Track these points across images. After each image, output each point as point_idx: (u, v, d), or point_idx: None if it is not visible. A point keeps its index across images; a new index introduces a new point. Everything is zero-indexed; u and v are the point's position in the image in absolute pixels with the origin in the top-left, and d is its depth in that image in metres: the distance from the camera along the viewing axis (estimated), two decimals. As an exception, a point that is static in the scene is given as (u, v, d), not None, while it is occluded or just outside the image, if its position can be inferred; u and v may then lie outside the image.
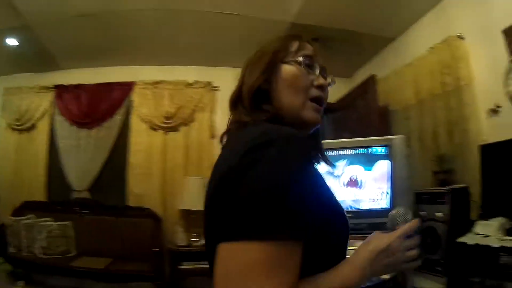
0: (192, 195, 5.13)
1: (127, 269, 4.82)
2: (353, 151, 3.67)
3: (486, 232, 2.99)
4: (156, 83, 5.97)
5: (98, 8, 4.41)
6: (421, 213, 3.70)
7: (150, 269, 4.84)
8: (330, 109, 6.18)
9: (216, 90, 6.06)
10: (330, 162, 1.25)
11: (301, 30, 4.75)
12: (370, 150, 3.64)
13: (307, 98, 1.09)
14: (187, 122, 5.95)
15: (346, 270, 0.89)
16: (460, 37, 4.05)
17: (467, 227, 3.21)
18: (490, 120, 3.71)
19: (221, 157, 0.99)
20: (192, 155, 5.85)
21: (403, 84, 4.79)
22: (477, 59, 3.92)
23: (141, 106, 5.93)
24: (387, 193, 3.57)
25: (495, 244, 2.78)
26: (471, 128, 3.84)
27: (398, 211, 1.11)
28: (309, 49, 1.16)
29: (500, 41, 3.60)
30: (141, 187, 5.68)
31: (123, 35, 5.07)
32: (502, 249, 2.73)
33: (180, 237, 5.38)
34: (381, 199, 3.59)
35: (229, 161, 0.85)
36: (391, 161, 3.56)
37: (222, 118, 5.85)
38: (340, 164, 3.63)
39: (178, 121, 5.91)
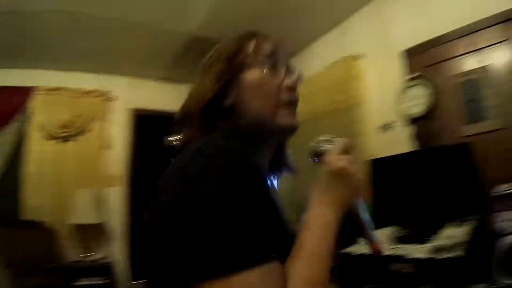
0: (84, 208, 4.85)
1: (23, 285, 4.38)
2: None
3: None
4: (54, 89, 5.53)
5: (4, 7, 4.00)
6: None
7: (45, 284, 4.49)
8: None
9: (113, 99, 5.77)
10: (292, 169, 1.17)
11: (202, 42, 4.74)
12: None
13: (278, 104, 0.96)
14: (82, 132, 5.53)
15: (316, 215, 0.81)
16: (356, 57, 4.25)
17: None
18: (381, 137, 3.93)
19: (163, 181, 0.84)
20: (85, 167, 5.46)
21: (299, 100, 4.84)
22: (373, 78, 4.15)
23: (39, 113, 5.46)
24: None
25: (386, 252, 2.86)
26: (361, 144, 3.99)
27: (318, 139, 0.97)
28: (268, 45, 1.02)
29: (397, 63, 3.87)
30: (35, 199, 5.21)
31: (23, 37, 4.59)
32: (392, 257, 2.82)
33: (72, 252, 5.02)
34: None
35: (168, 192, 0.78)
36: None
37: (118, 129, 5.67)
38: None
39: (74, 130, 5.50)
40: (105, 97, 5.70)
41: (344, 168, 0.84)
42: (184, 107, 1.00)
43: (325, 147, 0.92)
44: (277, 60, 1.00)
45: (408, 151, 3.67)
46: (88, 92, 5.60)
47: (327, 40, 4.83)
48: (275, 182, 1.12)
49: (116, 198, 5.33)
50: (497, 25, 3.29)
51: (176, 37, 4.66)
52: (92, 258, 4.90)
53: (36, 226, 4.99)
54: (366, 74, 4.20)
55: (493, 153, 3.18)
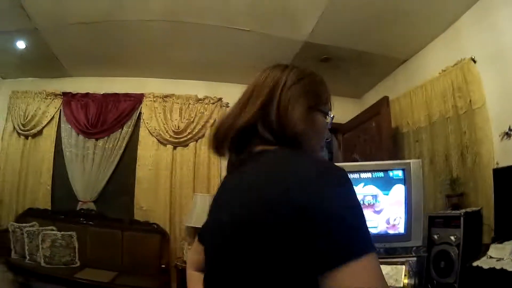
0: (200, 212, 5.07)
1: (133, 284, 4.70)
2: (369, 175, 3.63)
3: (500, 255, 2.95)
4: (165, 96, 5.93)
5: (107, 17, 4.39)
6: (435, 236, 3.68)
7: (156, 285, 4.77)
8: (340, 130, 6.18)
9: (226, 106, 6.01)
10: None
11: (313, 49, 4.77)
12: (387, 174, 3.61)
13: (322, 146, 1.23)
14: (196, 137, 5.90)
15: None
16: (472, 60, 4.06)
17: (479, 251, 3.19)
18: (502, 143, 3.69)
19: (255, 180, 0.99)
20: (200, 172, 5.80)
21: (415, 106, 4.80)
22: (489, 82, 3.92)
23: (150, 119, 5.88)
24: (402, 217, 3.55)
25: (510, 268, 2.72)
26: (483, 151, 3.82)
27: None
28: (328, 93, 1.23)
29: None
30: (148, 202, 5.62)
31: (131, 46, 5.05)
32: None
33: (187, 254, 5.30)
34: (398, 223, 3.57)
35: (289, 189, 0.87)
36: (406, 185, 3.54)
37: None
38: (358, 187, 3.59)
39: (188, 136, 5.86)
40: (217, 103, 5.91)
41: None
42: (264, 112, 1.10)
43: None
44: (329, 108, 1.22)
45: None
46: (201, 99, 5.85)
47: (439, 44, 4.67)
48: None
49: None
50: None
51: (288, 44, 4.78)
52: None
53: (148, 228, 5.32)
54: (483, 78, 3.98)
55: None
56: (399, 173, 3.57)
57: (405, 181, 3.53)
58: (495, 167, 3.57)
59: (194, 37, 4.72)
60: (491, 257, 3.01)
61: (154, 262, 4.97)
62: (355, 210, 0.85)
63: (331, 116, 1.21)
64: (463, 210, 3.62)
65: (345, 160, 5.84)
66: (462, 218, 3.47)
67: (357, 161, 5.34)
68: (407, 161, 3.70)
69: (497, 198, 3.40)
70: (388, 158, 4.26)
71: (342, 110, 6.23)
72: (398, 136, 5.12)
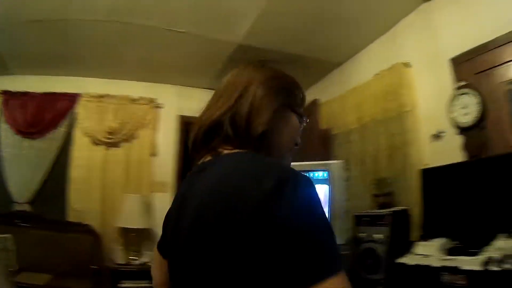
0: (131, 213, 5.03)
1: (67, 286, 4.53)
2: None
3: (427, 252, 3.06)
4: (101, 96, 5.76)
5: (49, 15, 4.17)
6: (361, 234, 3.78)
7: (90, 287, 4.62)
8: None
9: (159, 107, 5.95)
10: None
11: (248, 51, 4.77)
12: (310, 175, 3.63)
13: (292, 147, 1.18)
14: (129, 138, 5.78)
15: None
16: (406, 64, 4.21)
17: (407, 248, 3.26)
18: (432, 145, 3.85)
19: (218, 179, 0.94)
20: (132, 173, 5.69)
21: (347, 109, 4.88)
22: (422, 86, 4.09)
23: (85, 119, 5.68)
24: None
25: (436, 264, 2.83)
26: (412, 152, 3.96)
27: None
28: (302, 96, 1.26)
29: (446, 70, 3.79)
30: (81, 203, 5.43)
31: (73, 45, 4.83)
32: (443, 268, 2.76)
33: (119, 255, 5.20)
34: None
35: (249, 191, 0.83)
36: (329, 185, 3.59)
37: (165, 136, 5.77)
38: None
39: (120, 137, 5.73)
40: (152, 104, 5.84)
41: None
42: (228, 114, 1.06)
43: None
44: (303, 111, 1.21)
45: (459, 161, 3.57)
46: (135, 100, 5.75)
47: (375, 48, 4.79)
48: None
49: (163, 204, 5.40)
50: None
51: (223, 46, 4.75)
52: (138, 262, 5.02)
53: (82, 229, 5.15)
54: (416, 82, 4.15)
55: None
56: (323, 174, 3.63)
57: (329, 181, 3.58)
58: (423, 167, 3.69)
59: (134, 38, 4.59)
60: (417, 254, 3.11)
61: (87, 264, 4.81)
62: (324, 222, 0.82)
63: (305, 119, 1.22)
64: (391, 209, 3.75)
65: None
66: (390, 216, 3.61)
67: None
68: (330, 162, 3.76)
69: (425, 197, 3.54)
70: (318, 160, 4.30)
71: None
72: (329, 137, 5.18)
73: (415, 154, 3.93)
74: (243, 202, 0.81)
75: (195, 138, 1.10)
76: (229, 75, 1.21)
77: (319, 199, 0.83)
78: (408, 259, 3.06)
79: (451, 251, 2.99)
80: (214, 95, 1.16)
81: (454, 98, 3.65)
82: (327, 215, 3.20)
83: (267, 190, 0.80)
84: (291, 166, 0.99)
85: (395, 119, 4.20)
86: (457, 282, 2.69)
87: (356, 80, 4.87)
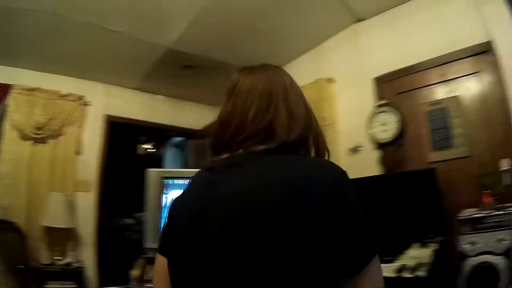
0: (56, 211, 4.78)
1: None
2: None
3: None
4: (32, 89, 5.37)
5: None
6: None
7: (16, 287, 4.35)
8: (195, 135, 6.24)
9: (88, 105, 5.72)
10: None
11: (177, 56, 4.79)
12: None
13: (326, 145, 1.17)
14: (55, 135, 5.46)
15: None
16: (330, 80, 4.42)
17: None
18: (349, 158, 4.07)
19: (263, 182, 0.91)
20: (58, 170, 5.34)
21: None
22: (343, 102, 4.33)
23: (15, 112, 5.29)
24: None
25: None
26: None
27: None
28: None
29: (369, 88, 4.07)
30: (8, 199, 5.11)
31: (4, 33, 4.60)
32: None
33: (43, 255, 4.91)
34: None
35: (317, 180, 0.87)
36: None
37: (91, 134, 5.59)
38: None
39: (48, 133, 5.38)
40: (80, 101, 5.63)
41: None
42: (266, 125, 1.04)
43: None
44: None
45: (376, 174, 3.81)
46: (64, 96, 5.52)
47: (302, 62, 4.97)
48: None
49: (87, 203, 5.26)
50: (469, 58, 3.53)
51: (154, 48, 4.68)
52: (63, 262, 4.81)
53: (7, 226, 4.90)
54: (338, 97, 4.37)
55: (459, 179, 3.37)
56: None
57: None
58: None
59: (68, 32, 4.35)
60: None
61: (13, 263, 4.56)
62: (362, 211, 0.88)
63: None
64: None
65: (197, 165, 5.86)
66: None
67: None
68: None
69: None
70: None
71: (199, 116, 6.28)
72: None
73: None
74: (312, 189, 0.84)
75: (227, 137, 1.08)
76: (247, 76, 1.15)
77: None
78: None
79: None
80: (237, 95, 1.12)
81: (374, 115, 3.88)
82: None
83: (334, 179, 0.88)
84: None
85: (316, 131, 4.34)
86: None
87: None
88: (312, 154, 1.10)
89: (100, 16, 4.04)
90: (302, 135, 1.06)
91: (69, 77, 5.53)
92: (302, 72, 4.83)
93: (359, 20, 4.35)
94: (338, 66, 4.48)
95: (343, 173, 0.91)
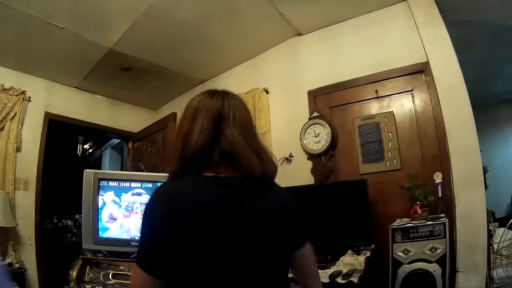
0: None
1: None
2: (139, 184, 3.53)
3: None
4: None
5: None
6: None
7: None
8: (132, 138, 6.17)
9: (28, 100, 5.46)
10: None
11: (117, 58, 4.74)
12: (155, 185, 3.58)
13: None
14: None
15: None
16: (265, 90, 4.53)
17: None
18: (282, 167, 4.12)
19: (283, 199, 1.41)
20: None
21: (204, 126, 4.90)
22: (277, 112, 4.44)
23: None
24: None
25: None
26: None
27: None
28: None
29: (304, 100, 4.20)
30: None
31: None
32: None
33: None
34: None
35: (293, 209, 1.43)
36: None
37: (31, 131, 5.37)
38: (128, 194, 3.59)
39: None
40: (22, 96, 5.41)
41: None
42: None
43: None
44: None
45: (308, 183, 3.93)
46: (7, 89, 5.29)
47: (239, 71, 5.04)
48: None
49: (27, 202, 4.98)
50: (404, 76, 3.75)
51: (96, 48, 4.55)
52: (4, 262, 4.63)
53: None
54: (273, 107, 4.48)
55: (392, 191, 3.52)
56: None
57: None
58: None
59: (10, 22, 4.23)
60: None
61: None
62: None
63: None
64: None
65: (133, 168, 5.82)
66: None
67: (142, 170, 5.36)
68: None
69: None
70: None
71: (137, 119, 6.18)
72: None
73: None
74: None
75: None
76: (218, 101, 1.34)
77: None
78: None
79: None
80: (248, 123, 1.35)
81: (307, 126, 4.01)
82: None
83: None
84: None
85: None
86: None
87: None
88: None
89: (43, 9, 3.90)
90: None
91: (11, 70, 5.28)
92: (239, 80, 4.91)
93: (299, 34, 4.48)
94: (274, 77, 4.58)
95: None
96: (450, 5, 3.80)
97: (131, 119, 6.25)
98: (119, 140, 7.15)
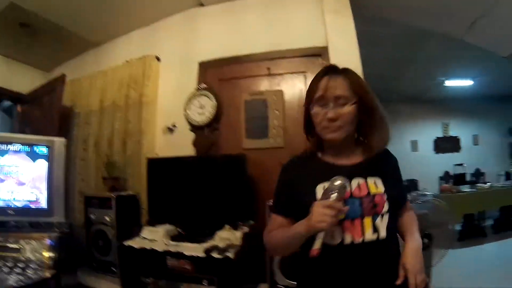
0: None
1: None
2: (16, 147, 3.43)
3: (153, 237, 3.22)
4: None
5: None
6: (91, 216, 3.79)
7: None
8: (22, 100, 5.80)
9: None
10: None
11: (17, 12, 4.41)
12: (33, 148, 3.48)
13: (322, 128, 1.52)
14: None
15: (293, 226, 1.44)
16: (156, 58, 4.36)
17: (137, 232, 3.37)
18: (165, 137, 4.07)
19: None
20: None
21: (93, 89, 4.77)
22: (167, 81, 4.29)
23: None
24: (44, 192, 3.48)
25: (160, 248, 3.00)
26: (145, 141, 4.12)
27: (340, 183, 1.37)
28: (321, 88, 1.50)
29: (194, 71, 4.11)
30: None
31: None
32: (168, 253, 2.96)
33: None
34: (40, 198, 3.47)
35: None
36: (49, 162, 3.49)
37: None
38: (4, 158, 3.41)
39: None
40: None
41: (328, 210, 1.32)
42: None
43: (333, 193, 1.37)
44: (326, 101, 1.50)
45: (189, 155, 3.84)
46: None
47: (134, 36, 4.82)
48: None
49: None
50: (298, 58, 3.79)
51: None
52: None
53: None
54: (162, 76, 4.34)
55: (273, 168, 3.43)
56: (44, 149, 3.50)
57: (49, 157, 3.49)
58: (151, 157, 3.87)
59: None
60: (144, 238, 3.25)
61: None
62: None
63: (318, 103, 1.51)
64: (117, 193, 3.81)
65: (20, 131, 5.49)
66: (116, 200, 3.69)
67: (26, 133, 5.09)
68: (52, 138, 3.59)
69: (150, 185, 3.68)
70: (56, 136, 4.16)
71: (30, 81, 5.83)
72: (71, 115, 4.97)
73: (148, 143, 4.10)
74: None
75: None
76: None
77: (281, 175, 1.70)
78: (135, 242, 3.15)
79: (177, 238, 3.21)
80: None
81: (193, 97, 3.90)
82: (46, 191, 3.10)
83: None
84: None
85: (134, 107, 4.30)
86: (182, 266, 2.89)
87: (108, 63, 4.82)
88: None
89: None
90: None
91: None
92: (133, 46, 4.72)
93: (201, 4, 4.36)
94: (169, 45, 4.43)
95: None
96: (365, 1, 3.94)
97: (24, 80, 5.85)
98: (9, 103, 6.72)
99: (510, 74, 7.46)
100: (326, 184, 1.41)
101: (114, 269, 3.59)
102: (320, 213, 1.31)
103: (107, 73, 4.68)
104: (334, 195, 1.35)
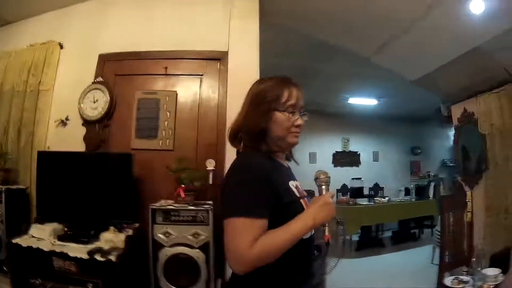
0: None
1: None
2: None
3: (40, 235, 3.11)
4: None
5: None
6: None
7: None
8: None
9: None
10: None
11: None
12: None
13: (288, 132, 1.59)
14: None
15: (295, 223, 1.39)
16: (59, 45, 4.19)
17: (26, 229, 3.24)
18: (58, 130, 3.92)
19: None
20: None
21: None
22: (67, 71, 4.12)
23: None
24: None
25: (47, 248, 2.93)
26: (38, 133, 3.95)
27: (325, 177, 1.59)
28: (294, 97, 1.59)
29: (93, 63, 3.99)
30: None
31: None
32: (54, 253, 2.89)
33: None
34: None
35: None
36: None
37: None
38: None
39: None
40: None
41: (331, 204, 1.48)
42: (236, 128, 1.65)
43: (324, 186, 1.57)
44: (296, 109, 1.59)
45: (79, 150, 3.73)
46: None
47: (43, 20, 4.57)
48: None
49: None
50: (197, 60, 3.77)
51: None
52: None
53: None
54: (63, 65, 4.16)
55: (160, 170, 3.49)
56: None
57: None
58: (41, 150, 3.72)
59: None
60: (32, 236, 3.13)
61: None
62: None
63: (289, 109, 1.57)
64: (6, 186, 3.63)
65: None
66: (4, 194, 3.51)
67: None
68: None
69: (39, 179, 3.52)
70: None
71: None
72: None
73: (40, 135, 3.92)
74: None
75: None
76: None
77: (242, 174, 1.45)
78: (22, 241, 3.04)
79: (63, 237, 3.11)
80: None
81: (88, 91, 3.80)
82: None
83: None
84: None
85: (31, 94, 4.10)
86: (68, 268, 2.85)
87: (14, 44, 4.55)
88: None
89: None
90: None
91: None
92: (41, 29, 4.49)
93: (113, -7, 4.23)
94: (76, 33, 4.26)
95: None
96: (275, 9, 3.98)
97: None
98: None
99: (414, 97, 7.94)
100: (295, 183, 1.60)
101: (5, 268, 3.39)
102: (327, 207, 1.46)
103: (11, 54, 4.44)
104: (324, 188, 1.57)
